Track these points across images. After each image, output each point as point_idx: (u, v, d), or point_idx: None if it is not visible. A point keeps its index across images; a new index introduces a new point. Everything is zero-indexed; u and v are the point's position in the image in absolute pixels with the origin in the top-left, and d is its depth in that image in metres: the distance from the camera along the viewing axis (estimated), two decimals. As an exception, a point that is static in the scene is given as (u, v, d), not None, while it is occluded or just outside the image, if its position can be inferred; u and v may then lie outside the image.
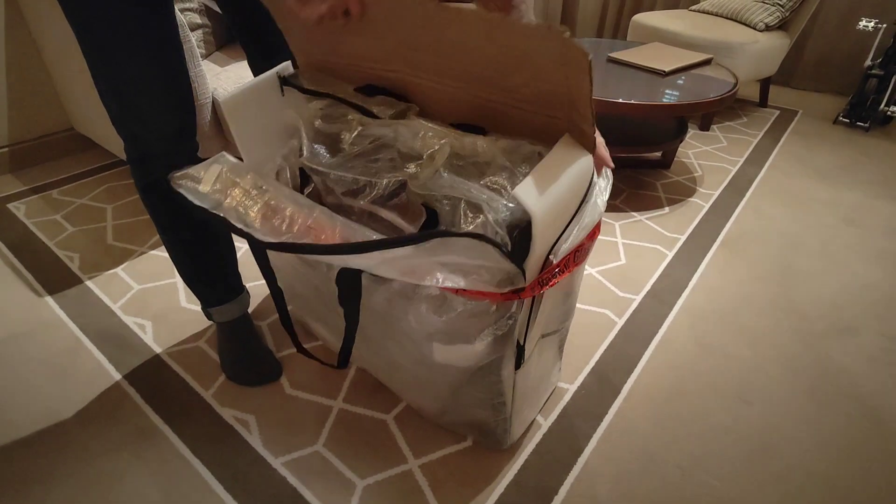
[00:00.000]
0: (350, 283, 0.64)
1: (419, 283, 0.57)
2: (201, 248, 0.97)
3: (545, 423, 0.99)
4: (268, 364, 1.06)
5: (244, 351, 1.07)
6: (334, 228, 0.57)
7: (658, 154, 1.98)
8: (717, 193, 1.78)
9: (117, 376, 1.06)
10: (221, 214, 0.61)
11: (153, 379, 1.06)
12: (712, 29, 2.28)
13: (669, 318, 1.25)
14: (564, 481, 0.89)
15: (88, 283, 1.31)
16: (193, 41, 1.28)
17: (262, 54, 0.95)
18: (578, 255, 0.66)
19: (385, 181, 0.66)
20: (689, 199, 1.75)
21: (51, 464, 0.90)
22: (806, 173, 1.94)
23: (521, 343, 0.71)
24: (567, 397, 1.04)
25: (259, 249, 0.66)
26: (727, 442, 0.97)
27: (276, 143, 0.79)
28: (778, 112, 2.50)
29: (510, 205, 0.60)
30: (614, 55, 1.90)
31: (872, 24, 2.27)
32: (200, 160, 0.70)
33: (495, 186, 0.64)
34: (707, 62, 1.92)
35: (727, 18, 2.44)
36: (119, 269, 1.36)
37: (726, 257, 1.47)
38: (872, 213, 1.70)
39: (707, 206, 1.71)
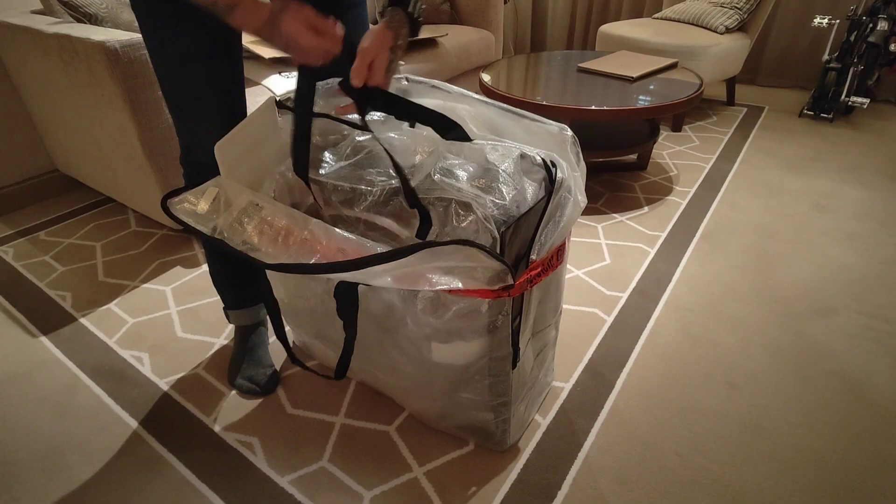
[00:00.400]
0: (347, 296, 0.66)
1: (413, 289, 0.60)
2: (230, 254, 1.02)
3: (544, 422, 1.01)
4: (264, 376, 1.09)
5: (248, 357, 1.11)
6: (330, 240, 0.60)
7: (634, 156, 2.05)
8: (693, 190, 1.84)
9: (118, 409, 1.07)
10: (217, 236, 0.64)
11: (154, 409, 1.07)
12: (676, 35, 2.37)
13: (656, 312, 1.29)
14: (566, 476, 0.92)
15: (82, 321, 1.31)
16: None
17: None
18: (561, 251, 0.69)
19: (379, 188, 0.70)
20: (667, 197, 1.80)
21: (57, 501, 0.90)
22: (776, 165, 2.01)
23: (515, 340, 0.74)
24: (563, 395, 1.07)
25: (258, 268, 0.68)
26: (720, 425, 1.00)
27: (273, 164, 0.82)
28: (745, 109, 2.59)
29: (498, 202, 0.64)
30: (584, 65, 1.97)
31: (826, 20, 2.39)
32: None
33: (482, 185, 0.67)
34: (673, 66, 1.99)
35: (689, 24, 2.54)
36: (112, 305, 1.36)
37: (706, 250, 1.52)
38: (842, 199, 1.77)
39: (684, 203, 1.76)
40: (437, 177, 0.66)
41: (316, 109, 0.80)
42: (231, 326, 1.28)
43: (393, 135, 0.76)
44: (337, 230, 0.62)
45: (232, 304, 1.13)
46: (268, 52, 1.65)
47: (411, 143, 0.75)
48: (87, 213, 1.82)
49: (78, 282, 1.46)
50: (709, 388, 1.08)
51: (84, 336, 1.26)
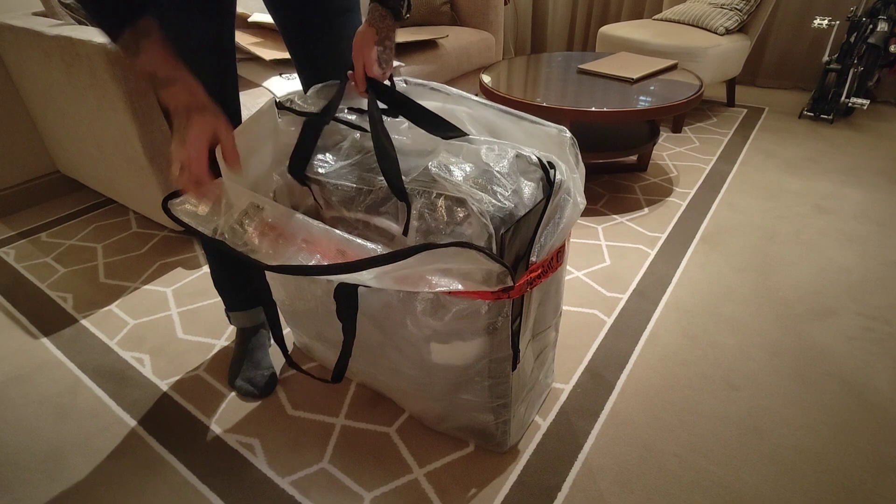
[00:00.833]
0: (347, 297, 0.67)
1: (413, 290, 0.60)
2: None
3: (544, 424, 1.01)
4: (262, 378, 1.09)
5: (248, 359, 1.12)
6: (330, 242, 0.60)
7: (634, 158, 2.05)
8: (693, 192, 1.84)
9: (119, 411, 1.07)
10: (218, 238, 0.64)
11: (155, 411, 1.07)
12: (676, 36, 2.37)
13: (656, 314, 1.29)
14: (566, 478, 0.92)
15: (83, 322, 1.31)
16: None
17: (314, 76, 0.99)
18: (561, 253, 0.69)
19: (379, 189, 0.70)
20: (667, 198, 1.81)
21: (58, 502, 0.90)
22: (776, 166, 2.01)
23: (515, 342, 0.74)
24: (563, 397, 1.07)
25: (258, 269, 0.69)
26: (720, 427, 1.00)
27: (272, 165, 0.83)
28: (745, 110, 2.59)
29: (494, 202, 0.64)
30: (584, 66, 1.98)
31: (826, 21, 2.39)
32: None
33: (478, 184, 0.68)
34: (673, 68, 2.00)
35: (689, 25, 2.55)
36: (113, 306, 1.37)
37: (706, 252, 1.52)
38: (842, 200, 1.77)
39: (684, 205, 1.76)
40: (433, 171, 0.67)
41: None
42: (232, 328, 1.28)
43: (392, 136, 0.76)
44: (337, 231, 0.62)
45: (233, 306, 1.13)
46: (268, 54, 1.65)
47: (409, 142, 0.75)
48: (88, 214, 1.82)
49: (79, 283, 1.46)
50: (708, 389, 1.08)
51: (85, 337, 1.26)
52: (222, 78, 0.87)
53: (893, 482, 0.90)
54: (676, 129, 2.34)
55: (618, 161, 2.05)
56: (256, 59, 1.72)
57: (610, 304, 1.32)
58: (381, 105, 0.82)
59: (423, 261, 0.57)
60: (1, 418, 1.06)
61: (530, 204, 0.67)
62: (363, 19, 0.87)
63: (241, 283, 1.10)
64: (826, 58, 2.40)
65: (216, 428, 1.03)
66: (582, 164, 0.78)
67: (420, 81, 0.90)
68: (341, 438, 1.00)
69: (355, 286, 0.68)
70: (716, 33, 2.40)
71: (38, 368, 1.18)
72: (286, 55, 1.65)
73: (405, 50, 2.08)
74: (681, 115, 2.34)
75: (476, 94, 0.86)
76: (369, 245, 0.60)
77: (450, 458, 0.96)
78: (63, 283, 1.46)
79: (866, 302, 1.31)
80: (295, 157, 0.78)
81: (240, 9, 1.90)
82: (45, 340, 1.26)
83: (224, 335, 1.26)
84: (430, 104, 0.82)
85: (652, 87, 1.79)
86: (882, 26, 2.22)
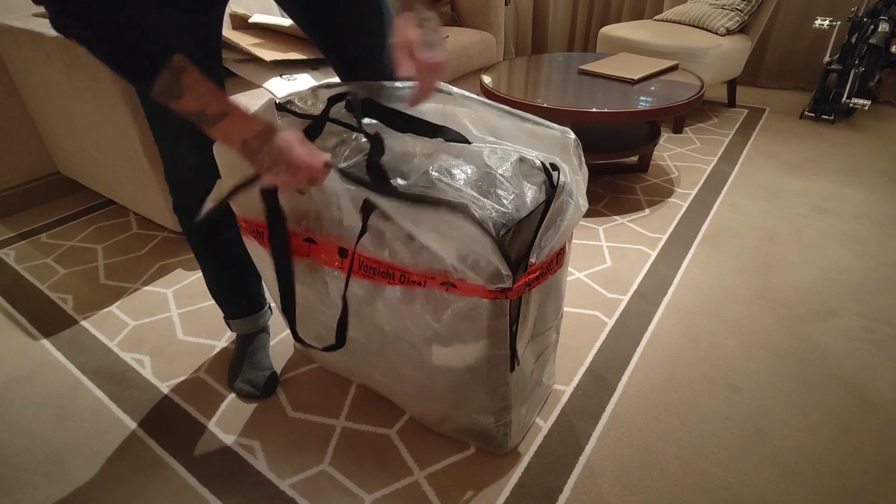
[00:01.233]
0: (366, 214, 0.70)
1: (421, 238, 0.62)
2: (227, 265, 1.04)
3: (545, 426, 1.01)
4: (263, 378, 1.09)
5: (248, 360, 1.12)
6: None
7: (635, 159, 2.05)
8: (694, 192, 1.84)
9: (119, 413, 1.07)
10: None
11: (155, 412, 1.07)
12: (676, 36, 2.37)
13: (657, 315, 1.29)
14: (568, 480, 0.92)
15: (83, 323, 1.31)
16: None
17: (347, 68, 0.95)
18: (561, 255, 0.69)
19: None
20: (668, 199, 1.80)
21: (58, 504, 0.90)
22: (777, 167, 2.01)
23: (513, 343, 0.74)
24: (564, 399, 1.07)
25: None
26: (721, 429, 1.00)
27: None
28: (746, 111, 2.59)
29: (497, 206, 0.64)
30: (585, 67, 1.97)
31: (827, 22, 2.38)
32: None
33: (480, 188, 0.67)
34: (673, 68, 1.99)
35: (690, 25, 2.54)
36: (113, 307, 1.37)
37: (707, 252, 1.52)
38: (843, 201, 1.77)
39: (685, 205, 1.76)
40: (434, 175, 0.67)
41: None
42: (232, 329, 1.28)
43: (393, 135, 0.76)
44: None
45: (232, 314, 1.13)
46: (269, 55, 1.65)
47: (410, 144, 0.75)
48: (88, 215, 1.82)
49: (79, 284, 1.46)
50: (710, 390, 1.08)
51: (85, 339, 1.26)
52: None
53: (895, 484, 0.90)
54: (677, 129, 2.34)
55: (619, 162, 2.05)
56: (257, 61, 1.72)
57: (611, 306, 1.32)
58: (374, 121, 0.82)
59: (447, 219, 0.59)
60: (0, 420, 1.06)
61: (532, 206, 0.67)
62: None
63: (240, 290, 1.09)
64: (827, 58, 2.39)
65: (216, 429, 1.02)
66: (585, 167, 0.78)
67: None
68: (342, 440, 1.00)
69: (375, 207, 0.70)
70: (717, 34, 2.40)
71: (38, 370, 1.18)
72: (287, 56, 1.65)
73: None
74: (682, 116, 2.34)
75: (477, 95, 0.85)
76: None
77: (451, 460, 0.95)
78: (63, 284, 1.46)
79: (867, 303, 1.31)
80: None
81: (240, 9, 1.90)
82: (45, 342, 1.26)
83: (224, 336, 1.26)
84: (431, 105, 0.82)
85: (653, 88, 1.79)
86: (883, 27, 2.22)
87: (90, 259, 1.57)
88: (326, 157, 0.69)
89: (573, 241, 1.60)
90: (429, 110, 0.81)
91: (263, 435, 1.01)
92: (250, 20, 1.80)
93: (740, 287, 1.38)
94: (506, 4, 2.69)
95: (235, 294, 1.09)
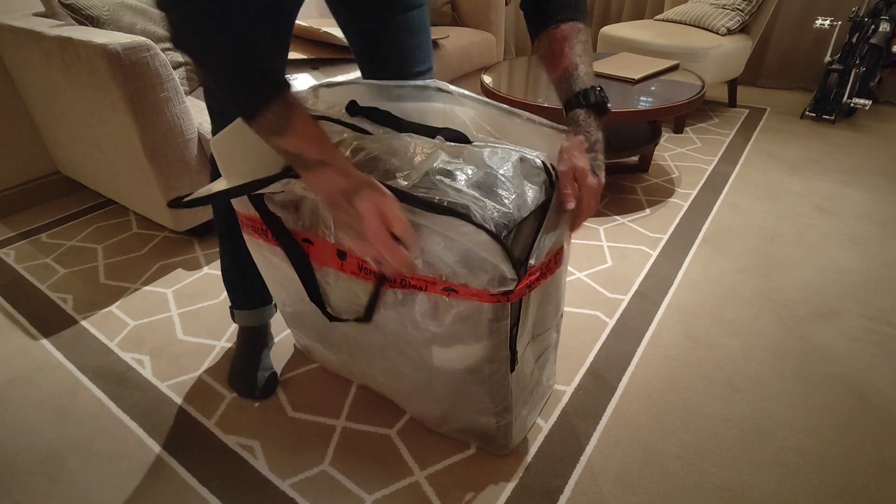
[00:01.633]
0: None
1: (422, 241, 0.62)
2: (244, 253, 1.03)
3: (546, 426, 1.01)
4: (262, 379, 1.09)
5: (248, 359, 1.11)
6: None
7: (635, 158, 2.04)
8: (694, 192, 1.84)
9: (119, 413, 1.07)
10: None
11: (155, 413, 1.06)
12: (677, 36, 2.37)
13: (658, 315, 1.28)
14: (569, 480, 0.91)
15: (83, 323, 1.31)
16: (177, 79, 1.32)
17: (374, 69, 0.97)
18: (560, 254, 0.69)
19: None
20: (669, 199, 1.80)
21: (58, 504, 0.90)
22: (778, 167, 2.01)
23: (513, 344, 0.74)
24: (565, 399, 1.07)
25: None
26: (722, 429, 1.00)
27: (273, 163, 0.82)
28: (747, 111, 2.59)
29: (498, 207, 0.64)
30: (585, 67, 1.97)
31: (828, 21, 2.38)
32: None
33: (481, 188, 0.67)
34: (674, 68, 1.99)
35: (691, 25, 2.54)
36: (113, 307, 1.36)
37: (708, 253, 1.52)
38: (844, 201, 1.77)
39: (686, 206, 1.76)
40: (435, 177, 0.66)
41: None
42: (232, 329, 1.27)
43: (393, 138, 0.76)
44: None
45: (239, 304, 1.13)
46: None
47: (410, 144, 0.75)
48: (88, 215, 1.82)
49: (79, 284, 1.46)
50: (711, 391, 1.08)
51: (85, 338, 1.26)
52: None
53: (897, 485, 0.90)
54: (678, 129, 2.34)
55: (619, 162, 2.05)
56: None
57: (612, 306, 1.32)
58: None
59: (453, 224, 0.59)
60: (0, 420, 1.06)
61: (533, 206, 0.67)
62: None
63: (251, 281, 1.10)
64: (828, 58, 2.39)
65: (216, 430, 1.02)
66: None
67: (422, 83, 0.90)
68: (342, 440, 1.00)
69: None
70: (717, 34, 2.39)
71: (38, 369, 1.17)
72: (291, 56, 1.65)
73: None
74: (682, 116, 2.33)
75: (478, 95, 0.85)
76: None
77: (451, 460, 0.95)
78: (63, 284, 1.46)
79: (868, 303, 1.31)
80: None
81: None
82: (44, 341, 1.26)
83: (224, 336, 1.26)
84: (431, 105, 0.82)
85: (653, 88, 1.78)
86: (884, 27, 2.22)
87: (90, 259, 1.57)
88: (413, 252, 0.62)
89: (573, 240, 1.60)
90: (429, 110, 0.81)
91: (263, 435, 1.01)
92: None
93: (741, 287, 1.38)
94: (506, 4, 2.69)
95: (246, 284, 1.10)
